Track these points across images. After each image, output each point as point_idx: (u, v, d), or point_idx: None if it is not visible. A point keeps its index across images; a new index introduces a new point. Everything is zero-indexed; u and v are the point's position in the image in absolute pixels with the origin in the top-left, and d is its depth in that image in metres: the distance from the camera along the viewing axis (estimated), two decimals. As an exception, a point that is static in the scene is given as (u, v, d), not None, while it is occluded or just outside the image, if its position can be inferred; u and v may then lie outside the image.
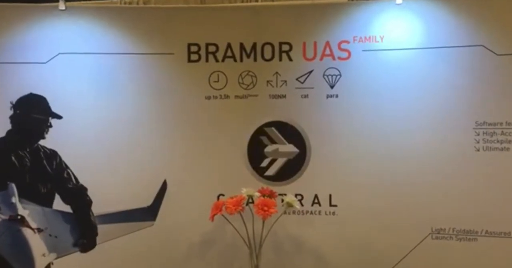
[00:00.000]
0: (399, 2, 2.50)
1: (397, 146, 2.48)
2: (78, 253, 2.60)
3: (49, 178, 2.60)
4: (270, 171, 2.61)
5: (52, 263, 2.57)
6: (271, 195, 2.40)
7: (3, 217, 2.51)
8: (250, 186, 2.42)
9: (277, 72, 2.60)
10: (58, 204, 2.60)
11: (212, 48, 2.62)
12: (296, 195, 2.51)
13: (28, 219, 2.53)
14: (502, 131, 2.39)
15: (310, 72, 2.58)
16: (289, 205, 2.36)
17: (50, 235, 2.56)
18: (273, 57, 2.60)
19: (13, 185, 2.54)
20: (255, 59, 2.61)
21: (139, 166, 2.62)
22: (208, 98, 2.62)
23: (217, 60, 2.62)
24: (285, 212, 2.40)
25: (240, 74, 2.62)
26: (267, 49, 2.60)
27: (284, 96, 2.60)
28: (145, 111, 2.63)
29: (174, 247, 2.59)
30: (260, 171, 2.61)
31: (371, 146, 2.51)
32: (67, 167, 2.61)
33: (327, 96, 2.57)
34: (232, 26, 2.62)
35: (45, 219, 2.57)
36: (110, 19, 2.61)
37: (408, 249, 2.46)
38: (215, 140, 2.61)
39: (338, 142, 2.55)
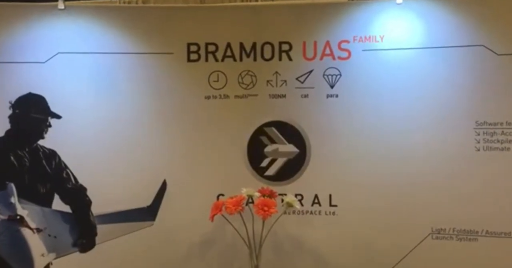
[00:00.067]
0: (399, 1, 2.49)
1: (397, 146, 2.48)
2: (78, 253, 2.60)
3: (48, 178, 2.59)
4: (270, 171, 2.60)
5: (51, 263, 2.56)
6: (271, 195, 2.40)
7: (2, 217, 2.50)
8: (250, 186, 2.42)
9: (277, 72, 2.59)
10: (57, 204, 2.59)
11: (211, 48, 2.61)
12: (296, 195, 2.50)
13: (27, 219, 2.52)
14: (503, 131, 2.38)
15: (310, 71, 2.57)
16: (289, 205, 2.36)
17: (49, 235, 2.56)
18: (273, 56, 2.60)
19: (12, 185, 2.53)
20: (255, 59, 2.60)
21: (138, 166, 2.61)
22: (208, 97, 2.62)
23: (216, 60, 2.61)
24: (285, 212, 2.40)
25: (240, 74, 2.61)
26: (267, 48, 2.60)
27: (284, 96, 2.59)
28: (144, 111, 2.62)
29: (174, 247, 2.58)
30: (260, 171, 2.60)
31: (372, 146, 2.50)
32: (66, 167, 2.60)
33: (327, 96, 2.56)
34: (231, 25, 2.61)
35: (44, 219, 2.56)
36: (109, 18, 2.60)
37: (408, 249, 2.46)
38: (215, 140, 2.60)
39: (338, 142, 2.54)
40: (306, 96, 2.58)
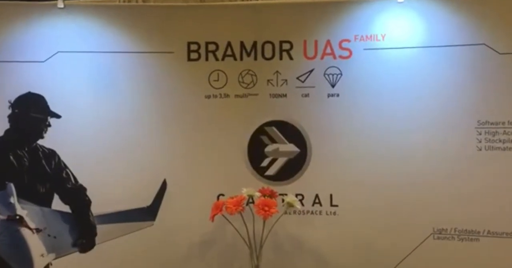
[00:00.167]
0: (401, 0, 2.48)
1: (398, 146, 2.47)
2: (77, 253, 2.59)
3: (48, 178, 2.58)
4: (271, 171, 2.59)
5: (51, 264, 2.55)
6: (272, 195, 2.39)
7: (2, 217, 2.49)
8: (251, 186, 2.41)
9: (277, 71, 2.59)
10: (57, 204, 2.58)
11: (212, 47, 2.61)
12: (296, 195, 2.50)
13: (27, 219, 2.51)
14: (505, 131, 2.37)
15: (311, 71, 2.56)
16: (290, 205, 2.35)
17: (49, 235, 2.55)
18: (273, 55, 2.59)
19: (12, 185, 2.52)
20: (255, 58, 2.60)
21: (138, 166, 2.61)
22: (208, 97, 2.61)
23: (217, 59, 2.61)
24: (285, 212, 2.39)
25: (240, 73, 2.61)
26: (268, 47, 2.59)
27: (285, 95, 2.58)
28: (144, 110, 2.61)
29: (174, 248, 2.58)
30: (260, 171, 2.60)
31: (373, 145, 2.49)
32: (66, 166, 2.59)
33: (328, 95, 2.55)
34: (232, 24, 2.61)
35: (44, 219, 2.55)
36: (109, 17, 2.60)
37: (409, 249, 2.45)
38: (215, 139, 2.60)
39: (339, 141, 2.53)
40: (307, 95, 2.57)
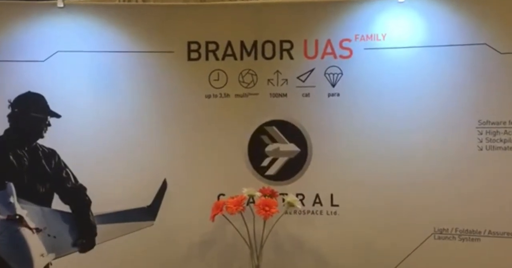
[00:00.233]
0: (401, 0, 2.48)
1: (399, 146, 2.46)
2: (77, 253, 2.59)
3: (47, 177, 2.58)
4: (271, 171, 2.59)
5: (51, 263, 2.55)
6: (272, 194, 2.38)
7: (1, 217, 2.49)
8: (251, 185, 2.40)
9: (278, 71, 2.58)
10: (57, 203, 2.58)
11: (212, 46, 2.60)
12: (297, 195, 2.49)
13: (27, 219, 2.51)
14: (506, 130, 2.37)
15: (311, 70, 2.56)
16: (290, 205, 2.34)
17: (48, 235, 2.54)
18: (274, 55, 2.58)
19: (11, 185, 2.52)
20: (255, 58, 2.59)
21: (138, 166, 2.60)
22: (208, 96, 2.60)
23: (217, 59, 2.60)
24: (286, 212, 2.38)
25: (241, 73, 2.60)
26: (268, 47, 2.58)
27: (285, 95, 2.58)
28: (144, 110, 2.61)
29: (174, 248, 2.57)
30: (260, 171, 2.59)
31: (373, 145, 2.49)
32: (66, 166, 2.59)
33: (329, 95, 2.55)
34: (232, 24, 2.60)
35: (44, 219, 2.55)
36: (109, 16, 2.59)
37: (410, 249, 2.44)
38: (215, 139, 2.59)
39: (340, 141, 2.53)
40: (307, 95, 2.56)
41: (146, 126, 2.60)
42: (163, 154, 2.61)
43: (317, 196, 2.55)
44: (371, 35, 2.52)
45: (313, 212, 2.56)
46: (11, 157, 2.55)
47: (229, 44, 2.59)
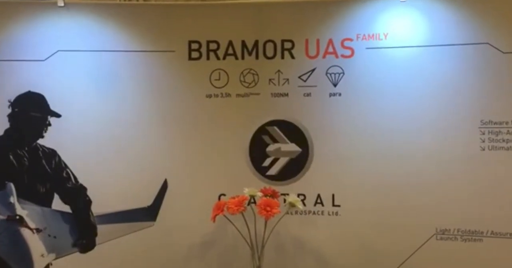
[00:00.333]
0: (403, -1, 2.48)
1: (401, 145, 2.45)
2: (78, 253, 2.58)
3: (48, 177, 2.57)
4: (272, 171, 2.58)
5: (51, 264, 2.55)
6: (274, 195, 2.39)
7: (2, 217, 2.48)
8: (252, 185, 2.40)
9: (279, 70, 2.57)
10: (57, 204, 2.58)
11: (213, 46, 2.59)
12: (298, 195, 2.48)
13: (27, 219, 2.50)
14: (508, 130, 2.36)
15: (313, 70, 2.55)
16: (292, 205, 2.33)
17: (49, 235, 2.54)
18: (275, 54, 2.58)
19: (11, 185, 2.51)
20: (257, 57, 2.58)
21: (139, 166, 2.60)
22: (209, 96, 2.60)
23: (218, 58, 2.60)
24: (287, 212, 2.38)
25: (242, 72, 2.59)
26: (269, 46, 2.58)
27: (287, 95, 2.57)
28: (145, 110, 2.60)
29: (175, 248, 2.57)
30: (262, 171, 2.58)
31: (375, 145, 2.48)
32: (66, 166, 2.58)
33: (330, 95, 2.54)
34: (233, 23, 2.59)
35: (44, 219, 2.54)
36: (109, 16, 2.58)
37: (412, 250, 2.43)
38: (216, 139, 2.59)
39: (341, 141, 2.52)
40: (308, 94, 2.56)
41: (147, 126, 2.60)
42: (164, 154, 2.60)
43: (319, 196, 2.55)
44: (373, 35, 2.51)
45: (314, 213, 2.55)
46: (11, 157, 2.55)
47: (230, 43, 2.59)
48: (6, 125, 2.55)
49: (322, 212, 2.54)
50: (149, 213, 2.59)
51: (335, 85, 2.54)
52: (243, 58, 2.59)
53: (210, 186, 2.57)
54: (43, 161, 2.56)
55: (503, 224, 2.34)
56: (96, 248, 2.58)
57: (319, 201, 2.54)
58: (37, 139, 2.57)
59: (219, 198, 2.54)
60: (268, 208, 2.24)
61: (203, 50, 2.59)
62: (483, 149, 2.38)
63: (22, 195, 2.52)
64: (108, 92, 2.59)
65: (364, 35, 2.52)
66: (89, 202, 2.58)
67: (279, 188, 2.48)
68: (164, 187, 2.59)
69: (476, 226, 2.38)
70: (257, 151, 2.59)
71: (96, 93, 2.59)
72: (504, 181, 2.35)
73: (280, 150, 2.58)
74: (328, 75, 2.54)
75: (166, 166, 2.59)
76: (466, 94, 2.41)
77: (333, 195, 2.53)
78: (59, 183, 2.57)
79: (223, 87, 2.60)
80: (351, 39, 2.53)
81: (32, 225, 2.50)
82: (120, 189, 2.58)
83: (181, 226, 2.56)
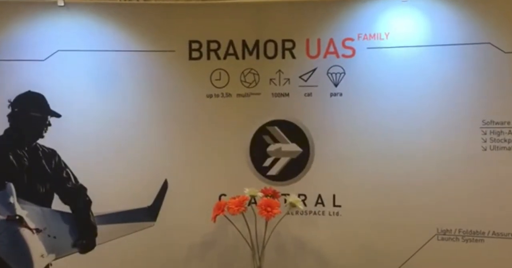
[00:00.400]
0: (405, -2, 2.47)
1: (402, 146, 2.45)
2: (77, 253, 2.58)
3: (48, 177, 2.57)
4: (273, 171, 2.58)
5: (51, 264, 2.54)
6: (274, 195, 2.38)
7: (1, 217, 2.48)
8: (253, 186, 2.39)
9: (280, 70, 2.57)
10: (57, 204, 2.57)
11: (213, 46, 2.59)
12: (299, 195, 2.48)
13: (27, 219, 2.50)
14: (510, 130, 2.35)
15: (314, 70, 2.54)
16: (293, 205, 2.33)
17: (49, 235, 2.53)
18: (276, 54, 2.57)
19: (11, 185, 2.51)
20: (257, 57, 2.58)
21: (139, 166, 2.59)
22: (210, 96, 2.59)
23: (218, 58, 2.59)
24: (288, 213, 2.37)
25: (242, 72, 2.59)
26: (270, 46, 2.57)
27: (287, 95, 2.56)
28: (145, 110, 2.60)
29: (175, 248, 2.56)
30: (262, 171, 2.58)
31: (376, 145, 2.47)
32: (66, 166, 2.58)
33: (331, 95, 2.53)
34: (234, 23, 2.58)
35: (44, 220, 2.54)
36: (109, 15, 2.58)
37: (413, 250, 2.43)
38: (216, 139, 2.58)
39: (342, 141, 2.51)
40: (309, 94, 2.55)
41: (147, 125, 2.59)
42: (164, 154, 2.59)
43: (319, 196, 2.54)
44: (374, 34, 2.50)
45: (315, 213, 2.54)
46: (11, 157, 2.54)
47: (230, 43, 2.58)
48: (6, 125, 2.55)
49: (323, 212, 2.53)
50: (149, 213, 2.59)
51: (336, 85, 2.53)
52: (243, 58, 2.58)
53: (211, 186, 2.56)
54: (43, 161, 2.56)
55: (505, 224, 2.34)
56: (96, 248, 2.58)
57: (320, 201, 2.54)
58: (37, 139, 2.56)
59: (219, 198, 2.53)
60: (269, 209, 2.24)
61: (204, 49, 2.59)
62: (485, 149, 2.37)
63: (22, 195, 2.52)
64: (108, 92, 2.58)
65: (365, 34, 2.51)
66: (89, 202, 2.57)
67: (280, 188, 2.48)
68: (164, 187, 2.58)
69: (477, 227, 2.37)
70: (258, 151, 2.58)
71: (96, 93, 2.58)
72: (506, 181, 2.34)
73: (281, 150, 2.58)
74: (329, 75, 2.54)
75: (166, 166, 2.58)
76: (468, 94, 2.40)
77: (334, 196, 2.52)
78: (59, 183, 2.57)
79: (223, 87, 2.59)
80: (352, 39, 2.52)
81: (32, 225, 2.50)
82: (120, 189, 2.58)
83: (181, 226, 2.55)
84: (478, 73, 2.39)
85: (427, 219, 2.41)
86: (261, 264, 2.36)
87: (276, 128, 2.58)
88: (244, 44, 2.58)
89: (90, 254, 2.58)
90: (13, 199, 2.49)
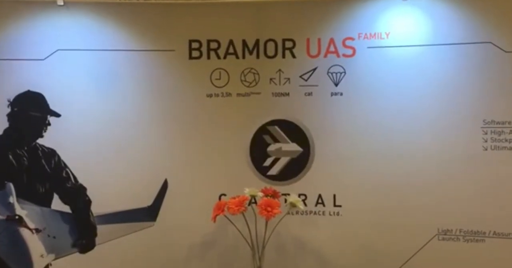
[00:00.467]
0: (405, -2, 2.46)
1: (403, 145, 2.44)
2: (77, 254, 2.57)
3: (47, 177, 2.56)
4: (273, 171, 2.57)
5: (51, 264, 2.54)
6: (275, 195, 2.38)
7: (1, 217, 2.47)
8: (253, 185, 2.39)
9: (280, 70, 2.56)
10: (57, 204, 2.57)
11: (213, 45, 2.58)
12: (299, 195, 2.47)
13: (26, 219, 2.49)
14: (511, 130, 2.34)
15: (314, 69, 2.54)
16: (293, 205, 2.32)
17: (48, 235, 2.53)
18: (276, 54, 2.56)
19: (11, 185, 2.51)
20: (257, 56, 2.57)
21: (139, 165, 2.59)
22: (210, 96, 2.59)
23: (218, 57, 2.58)
24: (288, 213, 2.37)
25: (243, 72, 2.58)
26: (270, 45, 2.57)
27: (288, 94, 2.56)
28: (145, 109, 2.59)
29: (175, 248, 2.56)
30: (263, 171, 2.57)
31: (377, 145, 2.47)
32: (65, 166, 2.57)
33: (332, 94, 2.53)
34: (234, 22, 2.58)
35: (44, 219, 2.53)
36: (109, 14, 2.58)
37: (414, 250, 2.42)
38: (217, 139, 2.58)
39: (342, 141, 2.51)
40: (310, 94, 2.54)
41: (147, 125, 2.59)
42: (164, 153, 2.59)
43: (320, 196, 2.54)
44: (375, 34, 2.50)
45: (315, 213, 2.54)
46: (10, 156, 2.54)
47: (230, 42, 2.58)
48: (6, 124, 2.54)
49: (323, 213, 2.53)
50: (149, 213, 2.59)
51: (336, 85, 2.53)
52: (244, 57, 2.58)
53: (211, 186, 2.56)
54: (43, 161, 2.55)
55: (506, 224, 2.33)
56: (96, 248, 2.57)
57: (320, 201, 2.53)
58: (37, 138, 2.56)
59: (219, 198, 2.53)
60: (269, 208, 2.23)
61: (204, 49, 2.58)
62: (486, 149, 2.36)
63: (22, 195, 2.51)
64: (108, 92, 2.58)
65: (365, 34, 2.50)
66: (88, 202, 2.57)
67: (280, 188, 2.48)
68: (164, 187, 2.58)
69: (478, 227, 2.36)
70: (258, 151, 2.58)
71: (96, 93, 2.58)
72: (507, 181, 2.33)
73: (281, 150, 2.57)
74: (330, 74, 2.53)
75: (166, 166, 2.58)
76: (468, 94, 2.39)
77: (334, 195, 2.52)
78: (59, 183, 2.56)
79: (223, 86, 2.58)
80: (352, 38, 2.51)
81: (31, 225, 2.49)
82: (120, 189, 2.57)
83: (181, 226, 2.55)
84: (479, 72, 2.38)
85: (427, 219, 2.41)
86: (261, 264, 2.36)
87: (276, 127, 2.57)
88: (244, 43, 2.57)
89: (90, 254, 2.57)
90: (12, 199, 2.49)
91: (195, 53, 2.59)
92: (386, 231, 2.44)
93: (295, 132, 2.56)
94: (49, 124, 2.55)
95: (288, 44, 2.55)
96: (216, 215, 2.29)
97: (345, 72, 2.52)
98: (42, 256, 2.49)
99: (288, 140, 2.57)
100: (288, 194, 2.42)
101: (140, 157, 2.59)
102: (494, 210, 2.34)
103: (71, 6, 2.58)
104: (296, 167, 2.56)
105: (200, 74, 2.58)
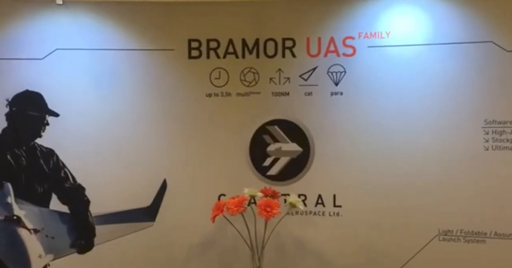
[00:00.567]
0: (406, -3, 2.46)
1: (403, 145, 2.43)
2: (76, 254, 2.57)
3: (45, 177, 2.56)
4: (273, 171, 2.57)
5: (49, 265, 2.54)
6: (274, 195, 2.37)
7: (-1, 217, 2.47)
8: (252, 185, 2.39)
9: (280, 69, 2.56)
10: (55, 204, 2.57)
11: (213, 44, 2.58)
12: (299, 195, 2.47)
13: (25, 219, 2.50)
14: (512, 130, 2.34)
15: (314, 69, 2.53)
16: (293, 205, 2.32)
17: (46, 236, 2.53)
18: (276, 53, 2.56)
19: (9, 185, 2.51)
20: (257, 56, 2.57)
21: (138, 165, 2.59)
22: (209, 95, 2.58)
23: (218, 57, 2.58)
24: (288, 213, 2.36)
25: (242, 71, 2.58)
26: (270, 45, 2.56)
27: (287, 94, 2.55)
28: (144, 109, 2.59)
29: (174, 249, 2.55)
30: (262, 171, 2.57)
31: (377, 145, 2.46)
32: (64, 166, 2.57)
33: (332, 94, 2.52)
34: (234, 21, 2.58)
35: (42, 220, 2.53)
36: (108, 14, 2.57)
37: (414, 251, 2.42)
38: (216, 138, 2.57)
39: (342, 141, 2.50)
40: (309, 93, 2.54)
41: (146, 125, 2.58)
42: (163, 153, 2.59)
43: (320, 196, 2.53)
44: (375, 33, 2.49)
45: (315, 213, 2.53)
46: (8, 156, 2.54)
47: (230, 42, 2.57)
48: (4, 124, 2.54)
49: (323, 213, 2.52)
50: (148, 213, 2.58)
51: (336, 84, 2.52)
52: (243, 56, 2.57)
53: (210, 186, 2.55)
54: (41, 161, 2.55)
55: (507, 225, 2.32)
56: (94, 248, 2.57)
57: (320, 201, 2.53)
58: (35, 138, 2.56)
59: (219, 198, 2.52)
60: (269, 209, 2.23)
61: (203, 48, 2.58)
62: (487, 149, 2.35)
63: (20, 195, 2.51)
64: (107, 91, 2.58)
65: (366, 33, 2.50)
66: (87, 202, 2.56)
67: (280, 188, 2.47)
68: (164, 187, 2.57)
69: (479, 227, 2.35)
70: (258, 151, 2.57)
71: (95, 92, 2.58)
72: (508, 181, 2.32)
73: (281, 150, 2.56)
74: (330, 74, 2.52)
75: (165, 165, 2.58)
76: (469, 93, 2.39)
77: (334, 196, 2.51)
78: (57, 183, 2.56)
79: (223, 86, 2.58)
80: (352, 38, 2.51)
81: (29, 225, 2.49)
82: (119, 189, 2.57)
83: (180, 226, 2.55)
84: (480, 72, 2.37)
85: (428, 220, 2.40)
86: (261, 264, 2.35)
87: (276, 127, 2.56)
88: (244, 42, 2.57)
89: (88, 254, 2.57)
90: (10, 199, 2.49)
91: (194, 53, 2.58)
92: (386, 232, 2.44)
93: (295, 132, 2.55)
94: (47, 123, 2.55)
95: (288, 44, 2.55)
96: (215, 215, 2.28)
97: (345, 72, 2.51)
98: (40, 256, 2.49)
99: (288, 140, 2.56)
100: (288, 194, 2.41)
101: (139, 157, 2.58)
102: (495, 210, 2.33)
103: (70, 5, 2.57)
104: (296, 167, 2.55)
105: (200, 74, 2.58)
